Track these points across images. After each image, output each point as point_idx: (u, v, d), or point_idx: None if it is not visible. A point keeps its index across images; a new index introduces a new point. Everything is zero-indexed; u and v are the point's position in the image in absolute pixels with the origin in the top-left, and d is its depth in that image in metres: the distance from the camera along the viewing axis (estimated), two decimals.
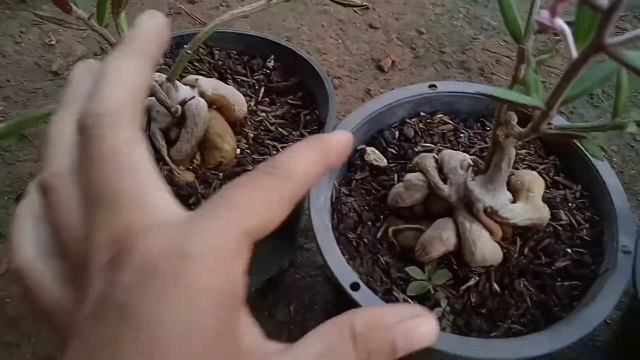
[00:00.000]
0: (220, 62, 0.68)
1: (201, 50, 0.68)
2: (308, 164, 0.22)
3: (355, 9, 1.05)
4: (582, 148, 0.55)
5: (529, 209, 0.48)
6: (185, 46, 0.54)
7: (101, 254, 0.20)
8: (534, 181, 0.49)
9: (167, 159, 0.56)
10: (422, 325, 0.22)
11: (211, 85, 0.59)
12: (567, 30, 0.28)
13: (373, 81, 0.93)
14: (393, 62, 0.95)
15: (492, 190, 0.46)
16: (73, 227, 0.22)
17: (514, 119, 0.42)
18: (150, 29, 0.24)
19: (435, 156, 0.51)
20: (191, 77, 0.59)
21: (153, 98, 0.55)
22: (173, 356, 0.18)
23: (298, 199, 0.21)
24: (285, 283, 0.70)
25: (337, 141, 0.24)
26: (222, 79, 0.66)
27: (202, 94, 0.57)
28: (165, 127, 0.58)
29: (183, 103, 0.56)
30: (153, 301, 0.18)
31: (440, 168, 0.50)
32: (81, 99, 0.23)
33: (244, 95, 0.63)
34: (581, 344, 0.67)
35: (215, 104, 0.58)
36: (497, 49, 1.00)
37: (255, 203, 0.20)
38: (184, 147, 0.56)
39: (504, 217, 0.46)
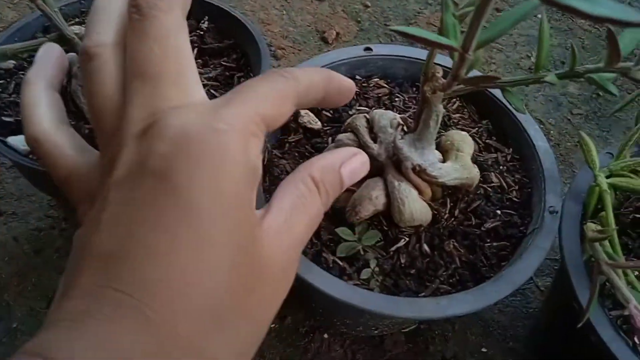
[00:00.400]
0: None
1: None
2: (312, 78, 0.26)
3: None
4: (513, 110, 0.55)
5: (458, 168, 0.47)
6: None
7: (136, 123, 0.22)
8: (464, 141, 0.49)
9: (89, 116, 0.53)
10: (358, 162, 0.28)
11: None
12: None
13: (317, 52, 0.92)
14: (337, 34, 0.94)
15: (421, 149, 0.46)
16: (108, 96, 0.23)
17: (439, 72, 0.41)
18: None
19: (367, 116, 0.50)
20: None
21: (74, 54, 0.52)
22: (208, 214, 0.20)
23: (300, 106, 0.26)
24: None
25: (340, 78, 0.28)
26: None
27: None
28: None
29: None
30: (188, 168, 0.21)
31: (370, 127, 0.49)
32: None
33: None
34: (516, 311, 0.69)
35: None
36: None
37: (271, 95, 0.24)
38: None
39: (432, 175, 0.45)
